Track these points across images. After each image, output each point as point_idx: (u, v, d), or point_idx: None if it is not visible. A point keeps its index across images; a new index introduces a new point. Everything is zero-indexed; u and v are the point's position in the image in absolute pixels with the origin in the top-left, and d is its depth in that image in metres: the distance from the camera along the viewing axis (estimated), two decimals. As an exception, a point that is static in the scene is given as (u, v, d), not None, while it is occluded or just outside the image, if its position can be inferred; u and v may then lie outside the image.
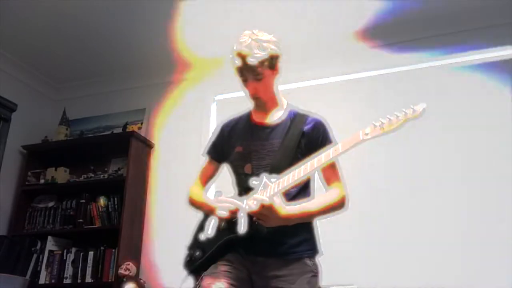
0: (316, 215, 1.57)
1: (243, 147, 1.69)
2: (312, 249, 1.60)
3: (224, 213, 1.50)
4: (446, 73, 3.16)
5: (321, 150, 1.50)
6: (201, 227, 1.67)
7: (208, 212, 1.65)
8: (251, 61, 1.57)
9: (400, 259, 2.80)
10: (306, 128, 1.65)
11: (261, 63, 1.58)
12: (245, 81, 1.65)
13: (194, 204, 1.76)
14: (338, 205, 1.59)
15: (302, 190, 1.62)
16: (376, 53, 3.35)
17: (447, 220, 2.82)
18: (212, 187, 1.89)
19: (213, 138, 1.84)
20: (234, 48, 1.61)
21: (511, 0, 3.02)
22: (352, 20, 3.27)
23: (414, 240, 2.83)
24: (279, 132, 1.67)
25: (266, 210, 1.41)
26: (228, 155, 1.74)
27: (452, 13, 3.17)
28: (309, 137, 1.64)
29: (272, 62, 1.62)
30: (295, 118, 1.70)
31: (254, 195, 1.45)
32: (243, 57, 1.58)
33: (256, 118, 1.75)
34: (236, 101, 3.61)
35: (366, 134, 1.37)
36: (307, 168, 1.44)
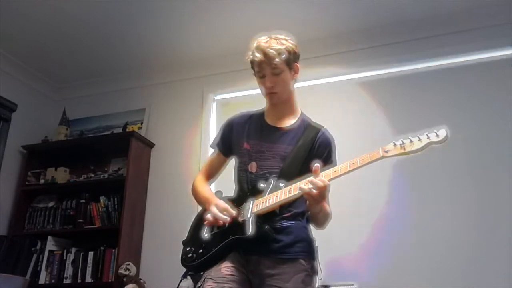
0: (325, 215, 1.61)
1: (250, 145, 1.70)
2: (307, 251, 1.60)
3: (210, 218, 1.55)
4: (445, 73, 3.15)
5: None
6: (199, 222, 1.66)
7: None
8: (271, 51, 1.61)
9: (400, 258, 2.81)
10: (316, 142, 1.67)
11: (279, 54, 1.61)
12: (262, 77, 1.67)
13: (197, 196, 1.76)
14: (329, 220, 1.64)
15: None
16: (375, 53, 3.34)
17: (446, 220, 2.82)
18: (212, 186, 1.87)
19: (222, 132, 1.83)
20: (254, 45, 1.66)
21: (511, 0, 3.02)
22: (350, 20, 3.27)
23: (414, 240, 2.84)
24: (289, 138, 1.68)
25: (325, 188, 1.46)
26: (236, 150, 1.75)
27: (452, 13, 3.16)
28: (316, 151, 1.66)
29: (289, 58, 1.65)
30: (307, 128, 1.71)
31: (309, 178, 1.46)
32: (263, 49, 1.62)
33: (269, 120, 1.76)
34: (236, 101, 3.66)
35: (386, 152, 1.39)
36: (323, 178, 1.45)
